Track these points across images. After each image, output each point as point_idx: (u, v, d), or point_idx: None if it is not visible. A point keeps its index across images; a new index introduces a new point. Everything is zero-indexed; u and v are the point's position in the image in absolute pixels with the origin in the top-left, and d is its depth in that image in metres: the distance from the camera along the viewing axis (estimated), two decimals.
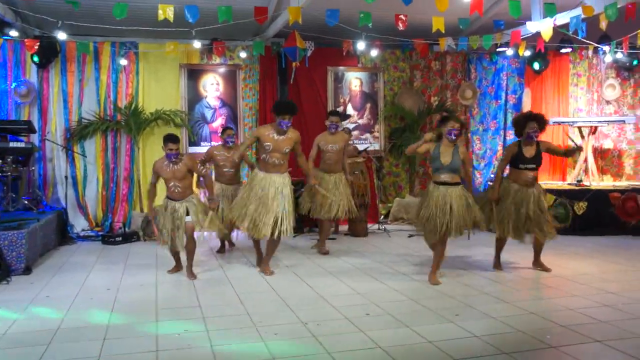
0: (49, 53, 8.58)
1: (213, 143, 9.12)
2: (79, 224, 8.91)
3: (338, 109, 9.79)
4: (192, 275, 6.02)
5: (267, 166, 5.98)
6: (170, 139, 5.87)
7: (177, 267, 6.32)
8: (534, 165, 5.94)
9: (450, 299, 5.16)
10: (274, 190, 5.89)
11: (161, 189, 8.76)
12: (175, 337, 4.21)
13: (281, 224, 5.85)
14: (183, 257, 6.16)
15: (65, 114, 8.91)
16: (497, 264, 6.35)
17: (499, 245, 6.34)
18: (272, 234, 5.86)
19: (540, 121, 5.90)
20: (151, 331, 4.34)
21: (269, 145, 5.92)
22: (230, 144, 7.21)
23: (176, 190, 5.94)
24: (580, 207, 7.94)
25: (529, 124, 5.86)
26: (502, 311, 4.74)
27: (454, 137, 5.59)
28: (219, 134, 9.07)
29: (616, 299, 5.09)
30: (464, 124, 6.13)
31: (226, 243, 7.57)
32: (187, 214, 5.92)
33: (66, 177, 8.71)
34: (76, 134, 8.87)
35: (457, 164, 5.63)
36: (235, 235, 7.95)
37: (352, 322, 4.47)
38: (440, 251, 5.77)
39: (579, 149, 6.44)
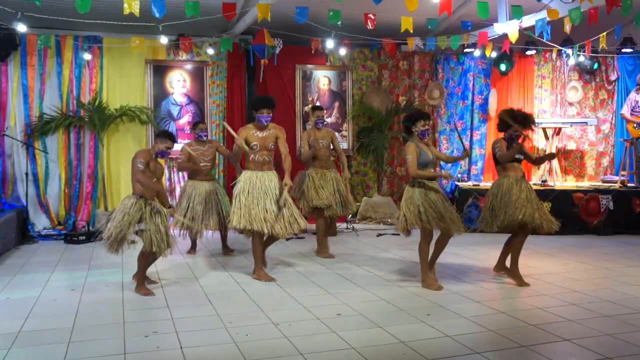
0: (7, 45, 8.31)
1: (180, 140, 8.97)
2: (40, 222, 8.65)
3: (308, 106, 9.75)
4: (151, 282, 5.71)
5: (257, 165, 5.87)
6: (171, 137, 5.53)
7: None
8: (522, 157, 5.87)
9: (421, 298, 5.17)
10: (274, 185, 5.81)
11: (124, 187, 8.70)
12: (143, 339, 4.11)
13: (294, 220, 5.78)
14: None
15: (25, 109, 8.63)
16: (505, 266, 6.06)
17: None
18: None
19: (525, 124, 5.68)
20: (118, 333, 4.23)
21: (256, 145, 5.85)
22: (204, 138, 7.13)
23: None
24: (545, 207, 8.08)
25: (514, 125, 5.62)
26: (472, 311, 4.78)
27: (427, 138, 5.62)
28: (188, 131, 9.04)
29: (582, 297, 5.19)
30: (431, 119, 6.01)
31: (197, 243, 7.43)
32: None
33: (27, 174, 8.44)
34: (37, 130, 8.60)
35: (435, 159, 5.65)
36: (209, 235, 7.73)
37: (324, 323, 4.44)
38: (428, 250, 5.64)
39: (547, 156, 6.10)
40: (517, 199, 5.59)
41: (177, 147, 8.39)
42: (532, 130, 5.84)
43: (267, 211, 5.67)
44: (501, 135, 5.86)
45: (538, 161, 6.10)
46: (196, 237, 7.19)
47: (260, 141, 5.87)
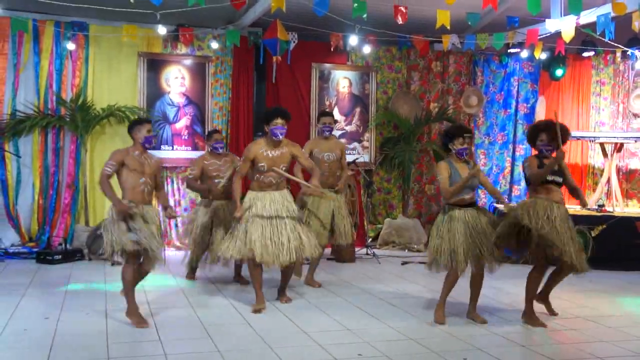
0: None
1: (176, 147, 9.12)
2: (7, 237, 8.67)
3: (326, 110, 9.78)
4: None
5: (262, 186, 5.99)
6: (143, 120, 5.68)
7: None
8: (560, 180, 5.73)
9: (456, 339, 5.12)
10: (276, 209, 5.91)
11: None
12: None
13: (302, 246, 5.91)
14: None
15: None
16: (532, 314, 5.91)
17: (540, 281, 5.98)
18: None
19: (550, 132, 5.66)
20: None
21: (263, 166, 5.91)
22: (220, 150, 7.10)
23: (146, 190, 5.48)
24: (597, 230, 8.03)
25: (540, 135, 5.74)
26: (517, 356, 4.72)
27: (464, 157, 5.70)
28: (186, 137, 9.19)
29: None
30: (471, 137, 6.11)
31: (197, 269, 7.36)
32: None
33: None
34: (8, 130, 8.62)
35: (477, 182, 5.70)
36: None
37: None
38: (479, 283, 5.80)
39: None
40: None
41: (174, 154, 8.57)
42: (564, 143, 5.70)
43: (265, 237, 5.81)
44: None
45: (575, 192, 5.86)
46: (196, 265, 7.21)
47: (269, 162, 5.92)
